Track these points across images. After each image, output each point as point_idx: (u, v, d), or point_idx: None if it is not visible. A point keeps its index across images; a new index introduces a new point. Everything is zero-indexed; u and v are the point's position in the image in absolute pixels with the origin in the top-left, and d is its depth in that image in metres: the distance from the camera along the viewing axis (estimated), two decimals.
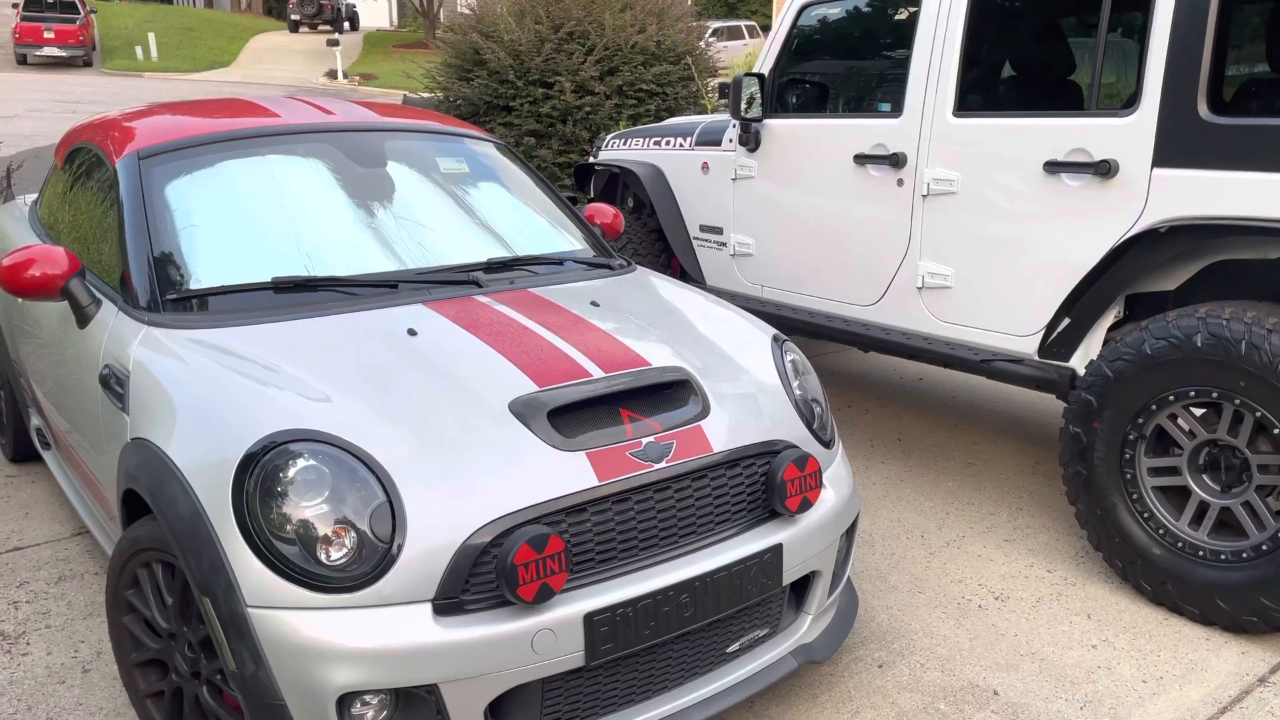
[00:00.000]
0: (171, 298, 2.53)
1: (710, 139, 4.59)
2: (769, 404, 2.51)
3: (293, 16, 35.81)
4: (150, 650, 2.25)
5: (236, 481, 1.94)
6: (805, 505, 2.35)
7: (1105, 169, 3.04)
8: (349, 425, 2.05)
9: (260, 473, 1.94)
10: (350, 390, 2.17)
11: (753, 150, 4.28)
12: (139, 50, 27.55)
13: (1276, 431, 2.68)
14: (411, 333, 2.42)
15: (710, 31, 16.28)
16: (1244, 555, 2.80)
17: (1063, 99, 3.65)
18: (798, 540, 2.35)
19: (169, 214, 2.72)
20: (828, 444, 2.61)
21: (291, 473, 1.94)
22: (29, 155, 10.27)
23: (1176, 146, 2.89)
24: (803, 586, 2.50)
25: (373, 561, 1.91)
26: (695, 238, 4.73)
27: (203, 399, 2.16)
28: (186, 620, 2.13)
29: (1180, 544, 2.92)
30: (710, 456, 2.26)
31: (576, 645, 2.00)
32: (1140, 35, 3.00)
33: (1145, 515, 3.00)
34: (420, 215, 3.00)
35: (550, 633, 1.97)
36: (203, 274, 2.60)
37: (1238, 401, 2.75)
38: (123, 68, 26.42)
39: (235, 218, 2.76)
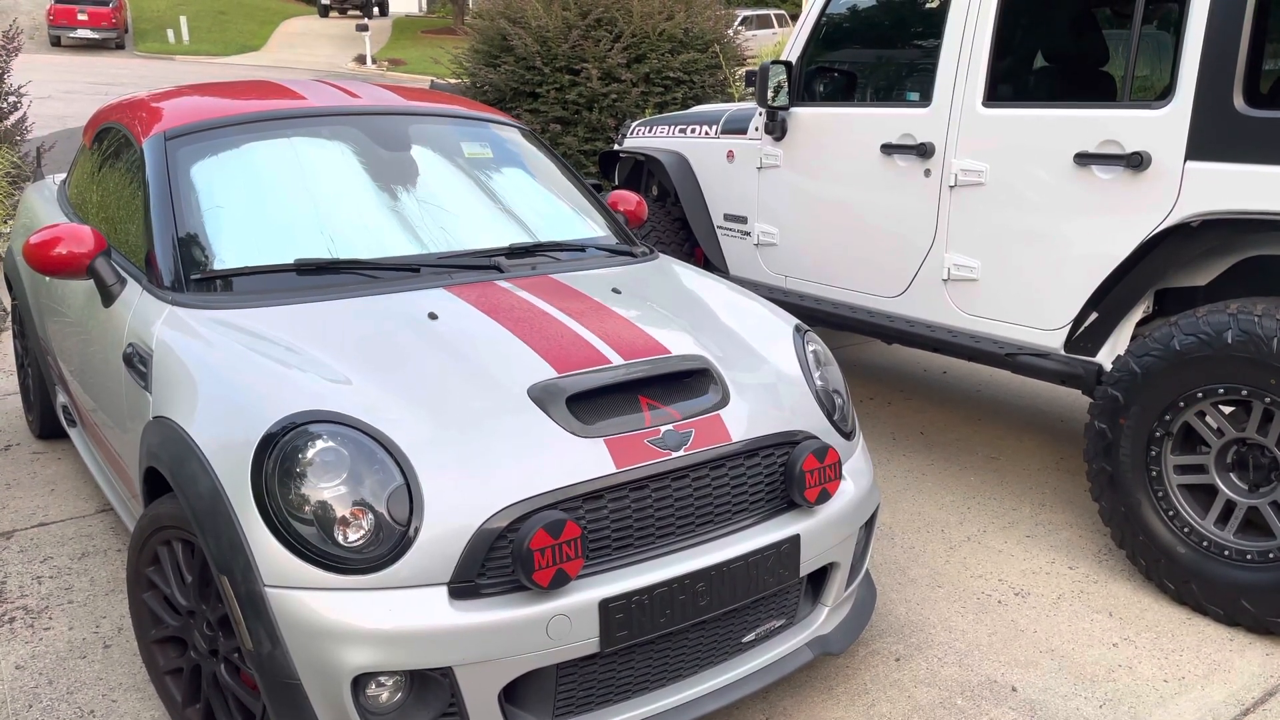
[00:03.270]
0: (195, 278, 2.54)
1: (736, 127, 4.56)
2: (789, 394, 2.50)
3: (323, 1, 35.95)
4: (169, 627, 2.27)
5: (256, 461, 1.95)
6: (824, 496, 2.34)
7: (1137, 161, 2.99)
8: (368, 408, 2.05)
9: (279, 453, 1.95)
10: (370, 373, 2.17)
11: (779, 139, 4.25)
12: (170, 33, 27.78)
13: None
14: (432, 316, 2.43)
15: (739, 20, 16.19)
16: (1271, 556, 2.75)
17: (1095, 90, 3.60)
18: (816, 531, 2.33)
19: (194, 194, 2.73)
20: (848, 435, 2.59)
21: (310, 454, 1.94)
22: (61, 136, 10.38)
23: (1211, 139, 2.84)
24: (820, 578, 2.49)
25: (389, 544, 1.91)
26: (719, 226, 4.70)
27: (224, 379, 2.17)
28: (205, 598, 2.15)
29: (1205, 543, 2.88)
30: (729, 446, 2.25)
31: (591, 631, 2.00)
32: (1176, 26, 2.95)
33: (1170, 513, 2.96)
34: (443, 199, 3.00)
35: (565, 618, 1.97)
36: (226, 255, 2.61)
37: (1268, 400, 2.70)
38: (154, 50, 26.67)
39: (259, 199, 2.77)
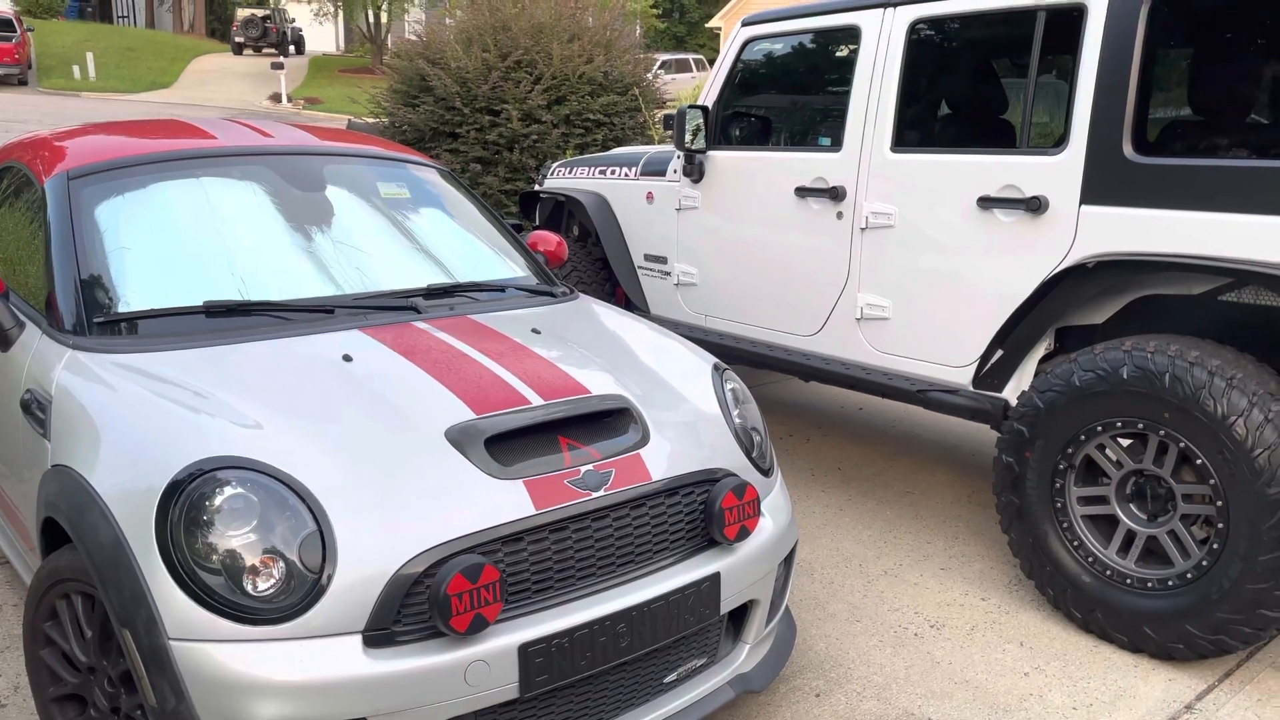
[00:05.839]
0: (99, 321, 2.46)
1: (655, 169, 4.63)
2: (709, 432, 2.52)
3: (236, 39, 35.39)
4: (69, 685, 2.17)
5: (160, 510, 1.89)
6: (743, 534, 2.35)
7: (1036, 205, 3.12)
8: (280, 453, 2.01)
9: (186, 501, 1.89)
10: (282, 417, 2.13)
11: (697, 181, 4.32)
12: (76, 69, 26.99)
13: (1199, 462, 2.76)
14: (347, 359, 2.39)
15: (658, 64, 16.45)
16: (1170, 583, 2.86)
17: (996, 137, 3.74)
18: (736, 569, 2.35)
19: (98, 236, 2.65)
20: (766, 472, 2.62)
21: (218, 501, 1.89)
22: None
23: (1102, 185, 2.98)
24: (741, 615, 2.50)
25: (301, 592, 1.86)
26: (640, 267, 4.74)
27: (127, 425, 2.10)
28: (106, 654, 2.06)
29: (1109, 572, 2.98)
30: (649, 485, 2.26)
31: (511, 677, 1.97)
32: (1069, 77, 3.10)
33: (1075, 544, 3.05)
34: (359, 240, 2.97)
35: (484, 664, 1.94)
36: (132, 297, 2.54)
37: (1162, 433, 2.82)
38: (59, 87, 25.87)
39: (167, 240, 2.70)
